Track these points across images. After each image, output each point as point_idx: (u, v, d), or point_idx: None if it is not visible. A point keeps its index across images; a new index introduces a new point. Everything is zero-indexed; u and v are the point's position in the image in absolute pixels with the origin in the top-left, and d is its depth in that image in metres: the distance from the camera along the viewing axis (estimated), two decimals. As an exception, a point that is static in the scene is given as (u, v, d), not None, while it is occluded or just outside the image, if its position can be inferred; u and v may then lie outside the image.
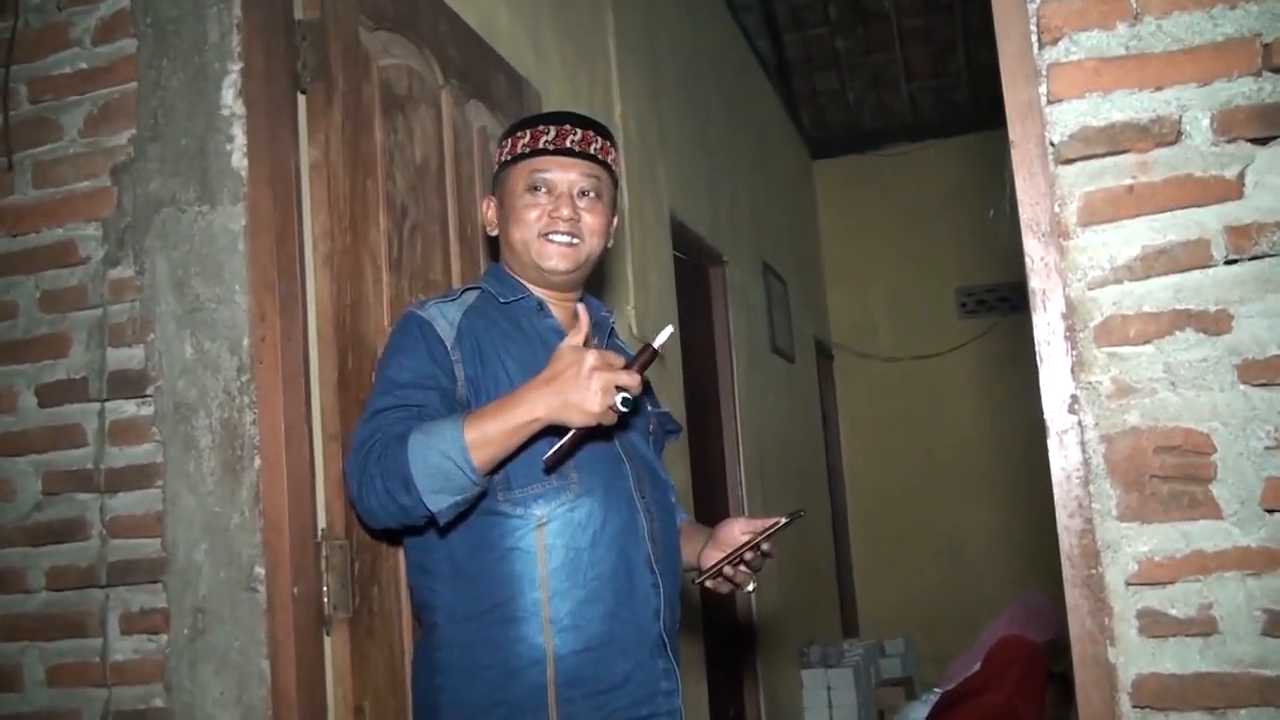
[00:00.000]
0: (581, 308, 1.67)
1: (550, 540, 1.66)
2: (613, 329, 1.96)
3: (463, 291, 1.82)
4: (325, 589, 1.79)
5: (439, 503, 1.55)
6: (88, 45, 1.95)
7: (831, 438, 7.30)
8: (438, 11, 2.33)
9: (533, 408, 1.53)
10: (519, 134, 1.83)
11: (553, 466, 1.63)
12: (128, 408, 1.86)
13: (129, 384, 1.86)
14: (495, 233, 1.87)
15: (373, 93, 2.05)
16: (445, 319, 1.74)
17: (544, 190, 1.80)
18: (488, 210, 1.89)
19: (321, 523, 1.82)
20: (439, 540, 1.70)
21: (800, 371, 6.42)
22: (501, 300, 1.81)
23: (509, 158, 1.83)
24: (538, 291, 1.84)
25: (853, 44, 6.88)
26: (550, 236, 1.79)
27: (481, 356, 1.72)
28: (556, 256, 1.80)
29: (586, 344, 1.58)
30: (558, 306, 1.85)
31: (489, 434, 1.54)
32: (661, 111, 4.29)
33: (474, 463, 1.53)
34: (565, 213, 1.78)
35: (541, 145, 1.80)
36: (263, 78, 1.84)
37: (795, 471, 5.90)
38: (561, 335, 1.76)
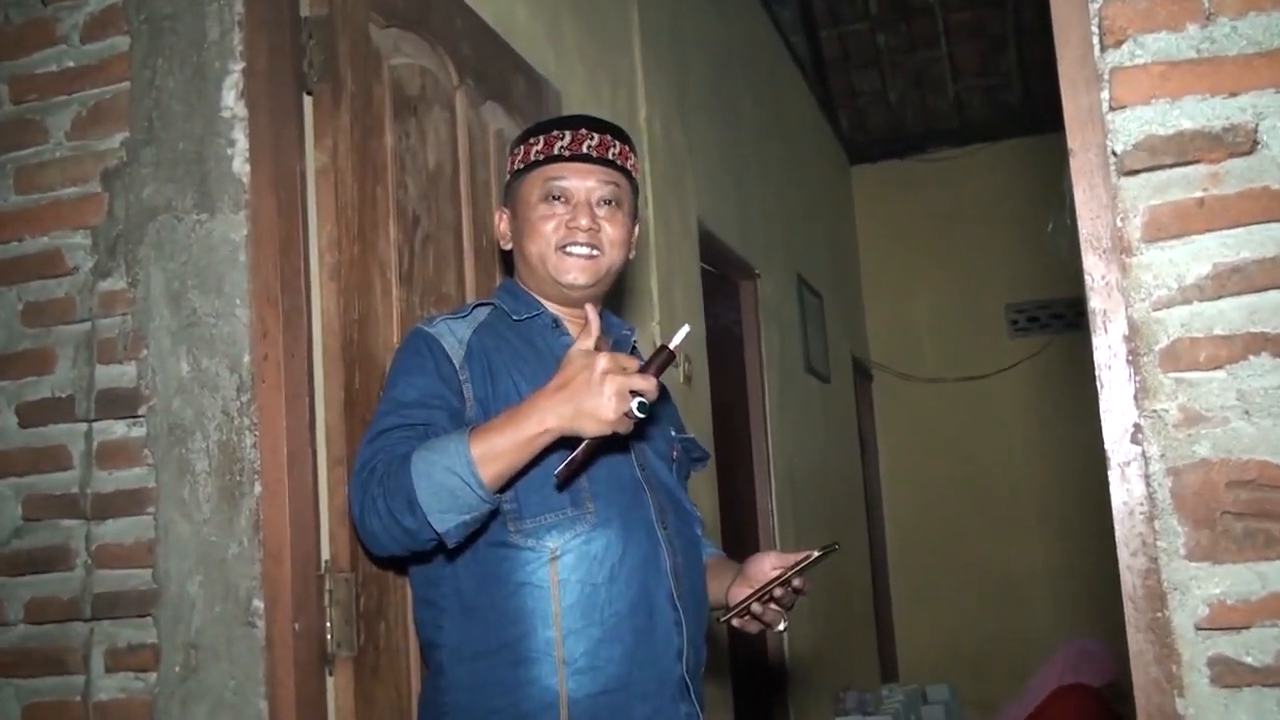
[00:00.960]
0: (590, 308, 1.67)
1: (564, 575, 1.67)
2: (634, 348, 1.96)
3: (474, 307, 1.83)
4: (328, 625, 1.80)
5: (446, 522, 1.54)
6: (76, 43, 1.98)
7: (870, 465, 7.29)
8: (452, 7, 2.35)
9: (543, 418, 1.53)
10: (532, 140, 1.84)
11: (565, 481, 1.63)
12: (117, 429, 1.88)
13: (119, 403, 1.87)
14: (509, 246, 1.89)
15: (383, 94, 2.07)
16: (454, 336, 1.75)
17: (560, 200, 1.80)
18: (501, 223, 1.90)
19: (325, 554, 1.83)
20: (446, 572, 1.71)
21: (837, 393, 6.41)
22: (515, 317, 1.82)
23: (521, 166, 1.84)
24: (553, 308, 1.85)
25: (895, 40, 6.89)
26: (568, 249, 1.80)
27: (492, 376, 1.73)
28: (575, 270, 1.80)
29: (598, 348, 1.58)
30: (574, 324, 1.86)
31: (497, 448, 1.54)
32: (689, 113, 4.31)
33: (482, 478, 1.53)
34: (584, 223, 1.79)
35: (556, 151, 1.81)
36: (266, 77, 1.86)
37: (830, 501, 5.89)
38: None
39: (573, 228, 1.79)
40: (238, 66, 1.87)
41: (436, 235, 2.19)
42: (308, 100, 1.94)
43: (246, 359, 1.80)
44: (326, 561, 1.83)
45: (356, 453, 1.70)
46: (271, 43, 1.87)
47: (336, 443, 1.85)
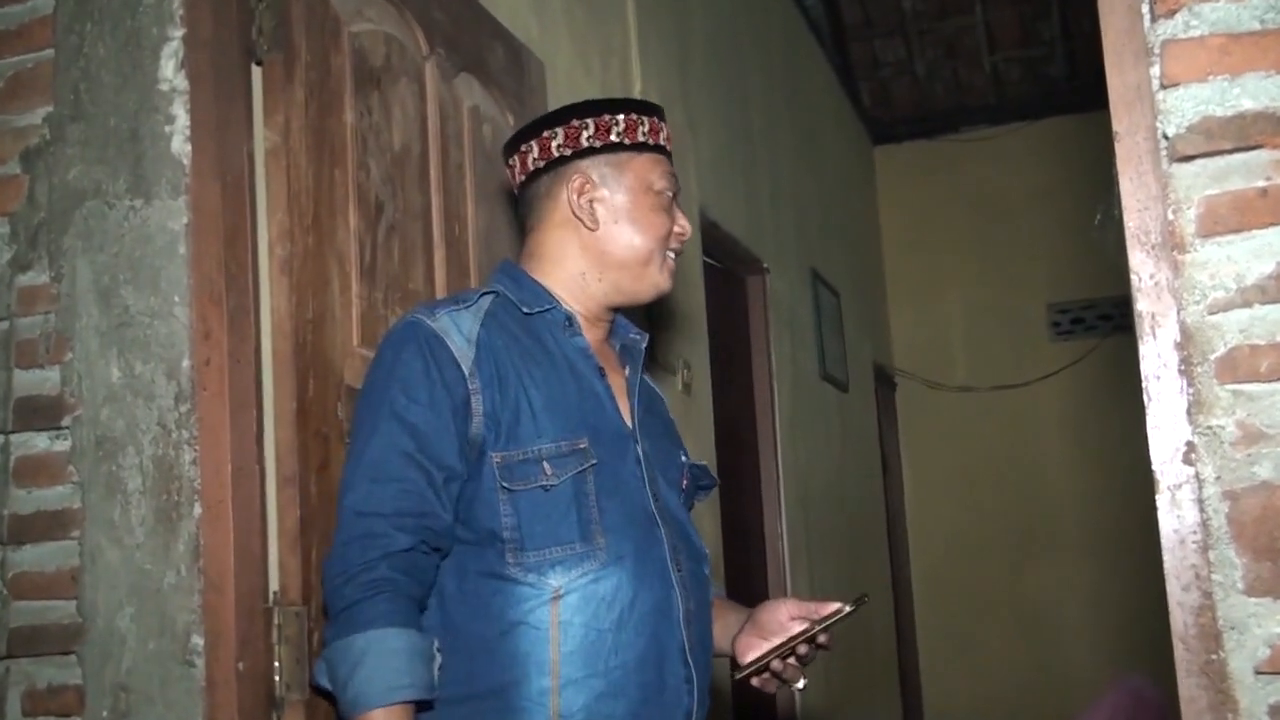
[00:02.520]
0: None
1: (567, 616, 1.65)
2: (646, 353, 1.96)
3: (479, 295, 1.80)
4: (277, 664, 1.80)
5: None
6: (-10, 4, 1.98)
7: (893, 486, 7.29)
8: (422, -34, 2.36)
9: None
10: (638, 118, 1.86)
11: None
12: (38, 441, 1.88)
13: (40, 413, 1.88)
14: (593, 226, 1.86)
15: (343, 64, 2.08)
16: (460, 333, 1.71)
17: (670, 196, 1.86)
18: (587, 192, 1.84)
19: (274, 584, 1.83)
20: (432, 602, 1.70)
21: (855, 403, 6.42)
22: (524, 310, 1.81)
23: (629, 142, 1.85)
24: (569, 305, 1.84)
25: (923, 5, 6.90)
26: (671, 251, 1.86)
27: (501, 383, 1.71)
28: (670, 275, 1.86)
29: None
30: (591, 326, 1.87)
31: None
32: (690, 89, 4.32)
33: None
34: (687, 227, 1.87)
35: (662, 141, 1.87)
36: (210, 46, 1.86)
37: (848, 527, 5.90)
38: (590, 359, 1.79)
39: (679, 232, 1.85)
40: (177, 33, 1.87)
41: (402, 224, 2.19)
42: (257, 72, 1.94)
43: (186, 364, 1.80)
44: (275, 593, 1.83)
45: (341, 505, 1.66)
46: (216, 6, 1.88)
47: (287, 459, 1.85)
